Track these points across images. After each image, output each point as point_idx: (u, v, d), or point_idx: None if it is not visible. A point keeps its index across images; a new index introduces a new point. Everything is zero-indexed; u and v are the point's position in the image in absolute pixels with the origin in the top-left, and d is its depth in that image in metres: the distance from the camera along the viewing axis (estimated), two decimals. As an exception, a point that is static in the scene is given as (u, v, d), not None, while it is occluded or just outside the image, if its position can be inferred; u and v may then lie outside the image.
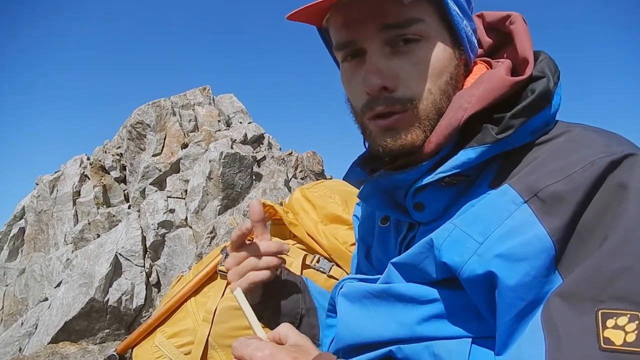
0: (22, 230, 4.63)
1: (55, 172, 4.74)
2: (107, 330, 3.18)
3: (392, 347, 0.66)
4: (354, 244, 1.49)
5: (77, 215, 4.33)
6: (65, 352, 2.46)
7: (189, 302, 1.57)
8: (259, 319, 0.74)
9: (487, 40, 0.77)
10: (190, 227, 3.86)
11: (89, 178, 4.51)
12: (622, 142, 0.58)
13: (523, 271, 0.53)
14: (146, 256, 3.64)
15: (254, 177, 4.19)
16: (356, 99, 0.70)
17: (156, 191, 4.23)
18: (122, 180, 4.61)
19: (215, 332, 1.46)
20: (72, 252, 3.96)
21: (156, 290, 3.56)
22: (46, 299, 3.70)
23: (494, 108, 0.63)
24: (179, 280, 1.72)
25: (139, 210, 4.02)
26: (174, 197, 4.06)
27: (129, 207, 4.31)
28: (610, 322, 0.46)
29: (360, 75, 0.67)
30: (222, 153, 3.97)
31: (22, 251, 4.57)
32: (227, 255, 1.57)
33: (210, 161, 3.99)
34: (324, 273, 1.52)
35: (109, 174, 4.60)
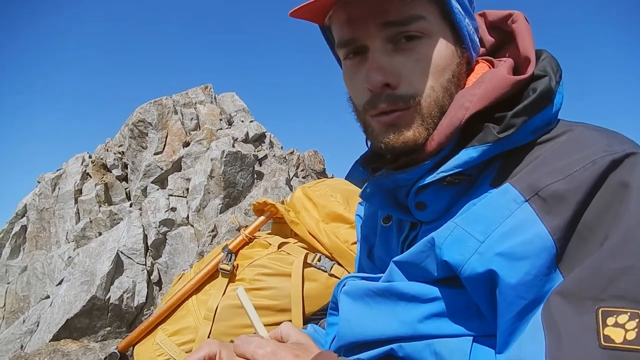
0: (24, 228, 4.63)
1: (57, 170, 4.74)
2: (108, 328, 3.18)
3: (394, 345, 0.66)
4: (355, 243, 1.50)
5: (78, 213, 4.34)
6: (67, 350, 2.46)
7: (191, 300, 1.58)
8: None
9: (489, 39, 0.77)
10: (192, 226, 3.86)
11: (90, 176, 4.52)
12: (624, 141, 0.58)
13: (524, 270, 0.53)
14: (148, 254, 3.64)
15: (255, 176, 4.19)
16: (358, 96, 0.70)
17: (158, 189, 4.24)
18: (124, 178, 4.62)
19: (216, 330, 1.47)
20: (74, 250, 3.96)
21: (157, 288, 3.56)
22: (48, 297, 3.70)
23: (496, 107, 0.63)
24: (180, 279, 1.73)
25: (140, 209, 4.02)
26: (175, 196, 4.06)
27: (130, 206, 4.31)
28: (610, 320, 0.46)
29: (362, 72, 0.67)
30: (223, 152, 3.97)
31: (24, 249, 4.58)
32: (228, 253, 1.58)
33: (211, 160, 3.99)
34: (325, 272, 1.52)
35: (110, 172, 4.61)
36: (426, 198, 0.68)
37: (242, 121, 5.04)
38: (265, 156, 4.49)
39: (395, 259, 0.70)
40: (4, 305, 4.13)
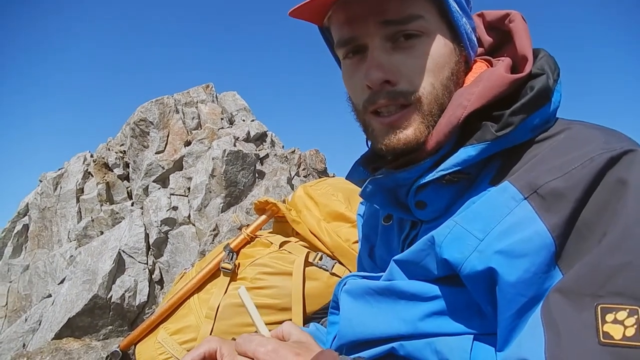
0: (26, 227, 4.64)
1: (59, 170, 4.75)
2: (110, 327, 3.19)
3: (394, 344, 0.66)
4: (356, 242, 1.50)
5: (80, 212, 4.35)
6: (69, 348, 2.47)
7: (192, 299, 1.58)
8: None
9: (487, 39, 0.77)
10: (193, 225, 3.87)
11: (92, 175, 4.52)
12: (622, 139, 0.58)
13: (523, 267, 0.53)
14: (149, 253, 3.65)
15: (256, 175, 4.19)
16: (357, 95, 0.71)
17: (159, 188, 4.25)
18: (125, 177, 4.62)
19: (218, 329, 1.47)
20: (76, 249, 3.97)
21: (159, 287, 3.57)
22: (50, 296, 3.71)
23: (494, 105, 0.63)
24: (181, 277, 1.73)
25: (142, 208, 4.03)
26: (177, 195, 4.07)
27: (132, 205, 4.32)
28: (609, 317, 0.46)
29: (361, 71, 0.68)
30: (225, 151, 3.97)
31: (25, 248, 4.59)
32: (230, 252, 1.59)
33: (213, 159, 3.99)
34: (327, 271, 1.53)
35: (112, 171, 4.61)
36: (426, 197, 0.68)
37: (244, 120, 5.04)
38: (267, 155, 4.49)
39: (395, 257, 0.70)
40: (6, 304, 4.14)
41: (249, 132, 4.60)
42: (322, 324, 1.05)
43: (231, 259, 1.58)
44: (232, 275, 1.56)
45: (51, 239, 4.47)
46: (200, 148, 4.32)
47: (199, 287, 1.59)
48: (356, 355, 0.69)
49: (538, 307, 0.53)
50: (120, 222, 4.01)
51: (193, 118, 4.72)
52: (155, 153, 4.38)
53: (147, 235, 3.70)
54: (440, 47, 0.66)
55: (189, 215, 3.91)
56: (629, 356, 0.44)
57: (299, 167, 4.62)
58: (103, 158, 4.69)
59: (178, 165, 4.35)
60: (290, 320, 1.19)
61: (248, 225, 1.70)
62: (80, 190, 4.43)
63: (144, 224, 3.74)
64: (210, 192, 3.94)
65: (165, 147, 4.43)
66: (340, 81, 0.75)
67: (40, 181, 4.76)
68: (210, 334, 1.45)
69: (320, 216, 1.62)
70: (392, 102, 0.66)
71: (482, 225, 0.58)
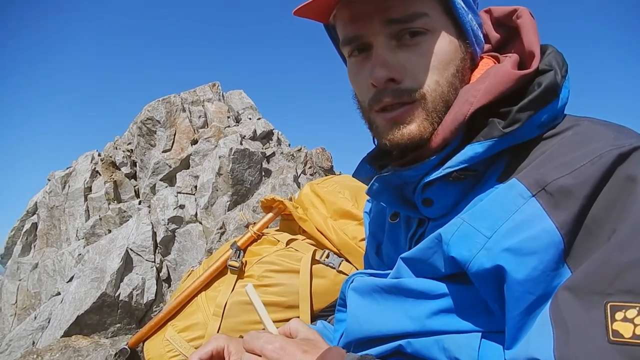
0: (35, 225, 4.68)
1: (67, 168, 4.78)
2: (118, 325, 3.21)
3: (402, 341, 0.66)
4: (363, 240, 1.50)
5: (88, 210, 4.37)
6: (78, 346, 2.49)
7: (200, 297, 1.59)
8: None
9: (495, 35, 0.77)
10: (200, 223, 3.88)
11: (100, 174, 4.55)
12: (631, 135, 0.58)
13: (531, 265, 0.53)
14: (157, 251, 3.67)
15: (263, 173, 4.20)
16: (363, 93, 0.70)
17: (166, 187, 4.26)
18: (133, 176, 4.65)
19: (225, 326, 1.47)
20: (84, 247, 4.00)
21: (166, 285, 3.58)
22: (59, 294, 3.74)
23: (501, 102, 0.63)
24: (189, 275, 1.74)
25: (149, 206, 4.05)
26: (183, 193, 4.08)
27: (139, 203, 4.34)
28: (619, 315, 0.46)
29: (366, 69, 0.67)
30: (231, 149, 3.98)
31: (34, 246, 4.62)
32: (237, 250, 1.59)
33: (219, 157, 4.00)
34: (334, 268, 1.53)
35: (119, 170, 4.64)
36: (433, 194, 0.68)
37: (250, 119, 5.05)
38: (273, 153, 4.50)
39: (402, 255, 0.70)
40: (16, 302, 4.17)
41: (255, 131, 4.60)
42: (329, 322, 1.05)
43: (238, 257, 1.58)
44: (240, 273, 1.56)
45: (60, 237, 4.50)
46: (206, 146, 4.33)
47: (207, 285, 1.60)
48: (364, 352, 0.69)
49: (546, 305, 0.52)
50: (128, 220, 4.03)
51: (200, 117, 4.73)
52: (162, 151, 4.39)
53: (154, 234, 3.72)
54: (445, 44, 0.66)
55: (196, 214, 3.92)
56: (638, 355, 0.44)
57: (305, 165, 4.62)
58: (110, 157, 4.72)
59: (185, 164, 4.36)
60: (298, 317, 1.20)
61: (255, 223, 1.71)
62: (88, 189, 4.46)
63: (151, 222, 3.76)
64: (217, 190, 3.95)
65: (172, 146, 4.45)
66: (347, 79, 0.75)
67: (49, 180, 4.79)
68: (218, 331, 1.46)
69: (327, 214, 1.62)
70: (397, 100, 0.66)
71: (489, 223, 0.58)
